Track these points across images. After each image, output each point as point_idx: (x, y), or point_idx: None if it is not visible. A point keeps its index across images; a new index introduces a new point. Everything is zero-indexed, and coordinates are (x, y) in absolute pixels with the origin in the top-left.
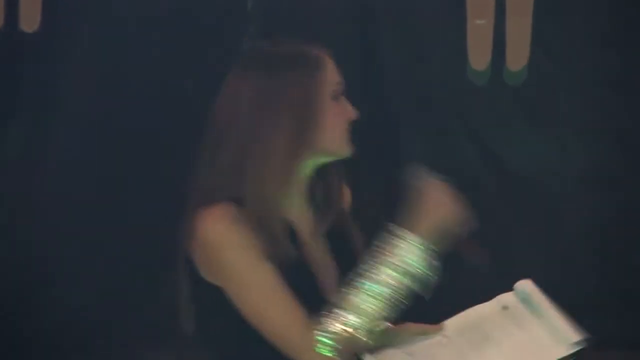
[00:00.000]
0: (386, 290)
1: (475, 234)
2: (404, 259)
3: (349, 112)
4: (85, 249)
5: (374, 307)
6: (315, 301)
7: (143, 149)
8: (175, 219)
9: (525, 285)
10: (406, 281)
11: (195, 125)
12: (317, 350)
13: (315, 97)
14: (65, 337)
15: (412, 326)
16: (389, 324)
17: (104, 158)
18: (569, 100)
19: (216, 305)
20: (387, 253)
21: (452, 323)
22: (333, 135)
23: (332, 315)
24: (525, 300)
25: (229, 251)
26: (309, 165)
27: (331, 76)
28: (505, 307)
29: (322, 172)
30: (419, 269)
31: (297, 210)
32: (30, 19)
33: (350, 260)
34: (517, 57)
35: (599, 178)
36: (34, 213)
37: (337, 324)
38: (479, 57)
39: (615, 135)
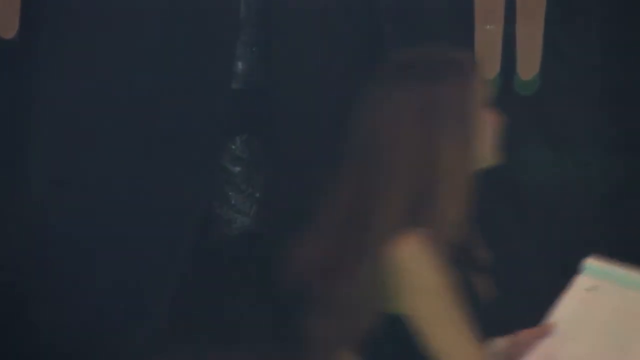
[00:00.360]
0: None
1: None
2: None
3: (496, 116)
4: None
5: None
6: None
7: (132, 154)
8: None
9: (596, 262)
10: None
11: (183, 131)
12: None
13: (474, 105)
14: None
15: (525, 335)
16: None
17: (87, 164)
18: (584, 110)
19: (395, 335)
20: None
21: (558, 318)
22: (488, 143)
23: None
24: (607, 275)
25: (430, 281)
26: None
27: (481, 80)
28: (591, 288)
29: None
30: None
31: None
32: (7, 25)
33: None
34: (529, 65)
35: (615, 190)
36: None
37: None
38: (487, 65)
39: (634, 146)
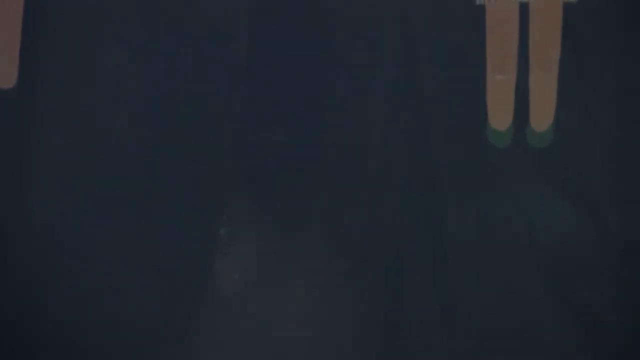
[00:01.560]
0: None
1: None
2: None
3: None
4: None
5: None
6: None
7: (127, 212)
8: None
9: None
10: None
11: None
12: None
13: None
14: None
15: None
16: None
17: (86, 218)
18: (601, 164)
19: None
20: None
21: None
22: None
23: None
24: None
25: None
26: None
27: None
28: None
29: None
30: None
31: None
32: (5, 75)
33: None
34: (542, 116)
35: (635, 246)
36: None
37: None
38: (499, 116)
39: None
